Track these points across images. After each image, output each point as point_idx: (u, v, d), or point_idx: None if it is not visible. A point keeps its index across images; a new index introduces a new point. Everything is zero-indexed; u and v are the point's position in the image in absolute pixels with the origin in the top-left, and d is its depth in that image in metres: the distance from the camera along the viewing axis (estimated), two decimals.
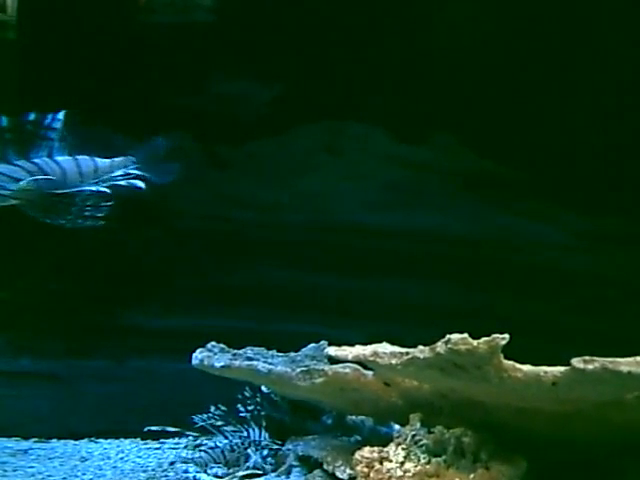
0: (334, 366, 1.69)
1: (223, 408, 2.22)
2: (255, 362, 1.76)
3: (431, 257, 2.39)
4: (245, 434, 2.14)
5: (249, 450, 2.06)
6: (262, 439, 2.10)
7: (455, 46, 2.34)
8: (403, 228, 2.40)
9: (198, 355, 1.85)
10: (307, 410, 2.16)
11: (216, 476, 2.02)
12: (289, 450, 1.96)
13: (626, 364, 1.23)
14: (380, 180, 2.41)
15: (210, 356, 1.83)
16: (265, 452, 2.04)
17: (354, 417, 2.14)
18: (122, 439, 2.59)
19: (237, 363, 1.77)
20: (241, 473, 1.99)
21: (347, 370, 1.67)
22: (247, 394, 2.21)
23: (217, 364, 1.80)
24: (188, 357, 1.93)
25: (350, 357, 1.50)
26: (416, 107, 2.37)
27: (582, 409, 1.51)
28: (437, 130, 2.40)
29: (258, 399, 2.18)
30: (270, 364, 1.76)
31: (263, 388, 2.14)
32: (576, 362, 1.26)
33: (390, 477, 1.60)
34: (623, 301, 2.30)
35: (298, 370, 1.72)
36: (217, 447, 2.12)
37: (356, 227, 2.42)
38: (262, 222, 2.45)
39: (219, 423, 2.19)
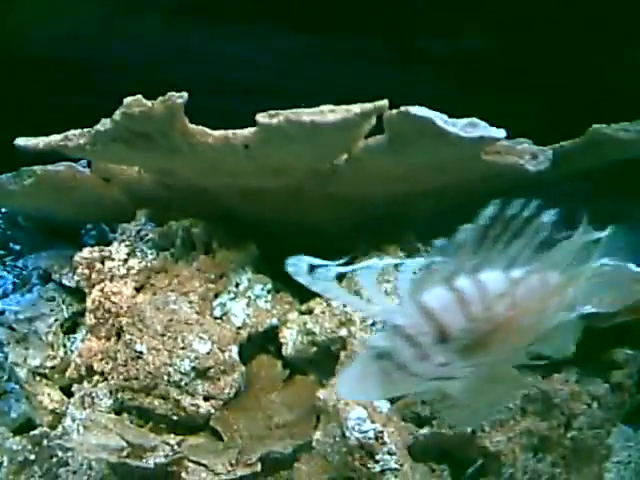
0: (45, 166, 1.52)
1: None
2: None
3: None
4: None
5: (3, 273, 1.97)
6: (15, 262, 2.01)
7: None
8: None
9: None
10: (64, 230, 2.03)
11: None
12: (31, 268, 1.82)
13: (309, 114, 1.14)
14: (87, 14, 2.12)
15: None
16: (17, 273, 1.95)
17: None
18: None
19: None
20: None
21: (59, 167, 1.51)
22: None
23: None
24: None
25: (41, 145, 1.33)
26: None
27: (302, 187, 1.44)
28: None
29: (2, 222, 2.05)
30: None
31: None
32: (260, 117, 1.16)
33: (112, 276, 1.50)
34: None
35: (9, 175, 1.54)
36: None
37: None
38: None
39: None
